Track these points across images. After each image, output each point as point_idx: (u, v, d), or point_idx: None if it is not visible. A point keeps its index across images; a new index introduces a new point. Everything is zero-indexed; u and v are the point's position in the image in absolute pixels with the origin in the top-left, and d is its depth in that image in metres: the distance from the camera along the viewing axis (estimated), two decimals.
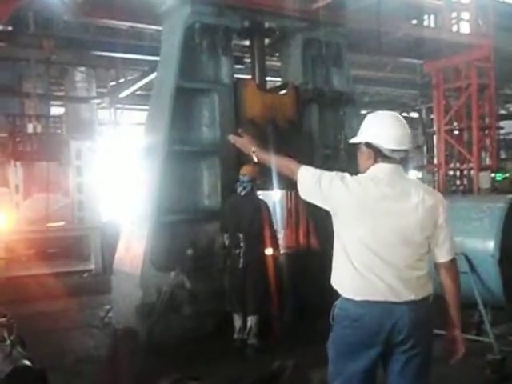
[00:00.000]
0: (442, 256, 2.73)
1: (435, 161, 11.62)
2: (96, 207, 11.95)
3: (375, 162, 2.71)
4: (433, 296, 2.70)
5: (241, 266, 5.76)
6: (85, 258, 11.25)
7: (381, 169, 2.69)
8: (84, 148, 12.07)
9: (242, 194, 6.03)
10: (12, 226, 10.94)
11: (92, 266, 10.66)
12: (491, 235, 4.71)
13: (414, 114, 13.21)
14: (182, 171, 6.53)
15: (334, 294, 2.71)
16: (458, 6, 11.15)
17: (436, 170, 11.38)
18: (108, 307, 7.04)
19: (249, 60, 8.03)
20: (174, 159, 6.43)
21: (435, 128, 11.35)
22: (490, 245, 4.69)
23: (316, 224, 7.17)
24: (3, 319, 3.92)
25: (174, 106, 6.48)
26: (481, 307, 4.74)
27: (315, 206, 2.79)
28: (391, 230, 2.61)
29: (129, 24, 7.88)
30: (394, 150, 2.66)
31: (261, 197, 6.51)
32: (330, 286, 2.75)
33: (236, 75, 7.21)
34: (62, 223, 11.42)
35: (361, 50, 9.18)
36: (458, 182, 12.28)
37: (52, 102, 15.73)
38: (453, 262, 2.76)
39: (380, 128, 2.71)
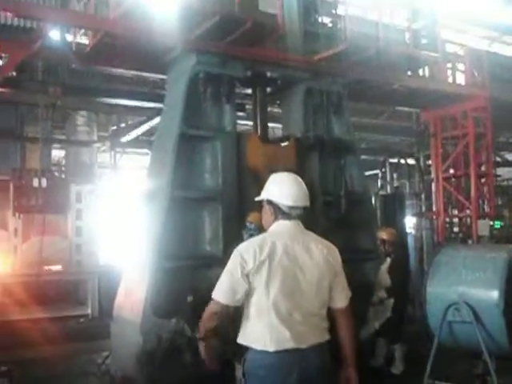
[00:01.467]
0: (341, 302, 3.01)
1: (433, 208, 11.69)
2: (94, 251, 11.90)
3: (276, 218, 3.02)
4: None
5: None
6: (81, 302, 11.13)
7: (282, 225, 3.00)
8: (84, 191, 12.13)
9: (246, 239, 6.07)
10: (9, 269, 10.87)
11: (89, 311, 10.55)
12: (495, 285, 4.72)
13: (410, 161, 13.34)
14: (183, 217, 6.56)
15: None
16: (453, 57, 11.48)
17: (435, 217, 11.44)
18: (106, 354, 6.95)
19: (250, 107, 8.20)
20: (176, 205, 6.47)
21: (433, 175, 11.47)
22: (495, 294, 4.70)
23: None
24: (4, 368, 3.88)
25: (177, 152, 6.57)
26: (486, 357, 4.71)
27: None
28: (298, 281, 2.88)
29: (134, 73, 8.05)
30: (291, 207, 2.98)
31: None
32: None
33: (238, 121, 7.35)
34: (59, 267, 11.36)
35: (360, 98, 9.36)
36: (457, 230, 12.35)
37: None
38: (348, 307, 3.04)
39: (280, 187, 3.03)
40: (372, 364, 6.57)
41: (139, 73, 8.20)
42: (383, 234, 7.00)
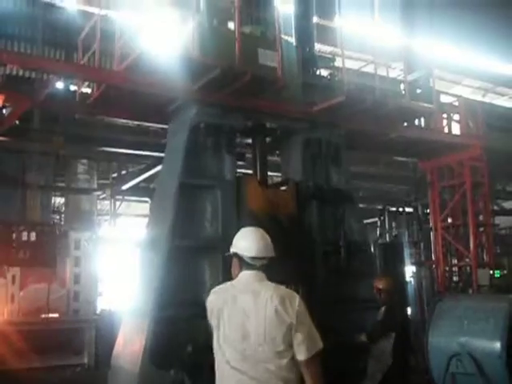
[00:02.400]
0: (300, 354, 2.98)
1: (432, 257, 11.68)
2: (92, 299, 11.79)
3: (241, 269, 3.23)
4: None
5: None
6: (78, 351, 10.94)
7: (243, 275, 3.22)
8: (83, 239, 12.11)
9: None
10: (6, 318, 10.73)
11: (85, 360, 10.36)
12: (497, 336, 4.70)
13: (408, 209, 13.42)
14: (184, 266, 6.55)
15: None
16: (448, 108, 11.73)
17: (434, 266, 11.43)
18: None
19: (250, 155, 8.32)
20: (177, 254, 6.48)
21: (431, 225, 11.52)
22: (497, 345, 4.67)
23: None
24: None
25: (178, 201, 6.63)
26: None
27: None
28: (246, 331, 3.00)
29: (136, 122, 8.21)
30: (254, 258, 3.20)
31: None
32: None
33: (237, 170, 7.44)
34: (56, 315, 11.22)
35: (357, 148, 9.51)
36: (456, 279, 12.28)
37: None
38: (312, 359, 2.99)
39: (244, 241, 3.28)
40: None
41: (141, 123, 8.34)
42: (379, 283, 6.97)
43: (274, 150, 8.46)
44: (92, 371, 9.89)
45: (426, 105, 8.59)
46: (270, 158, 8.04)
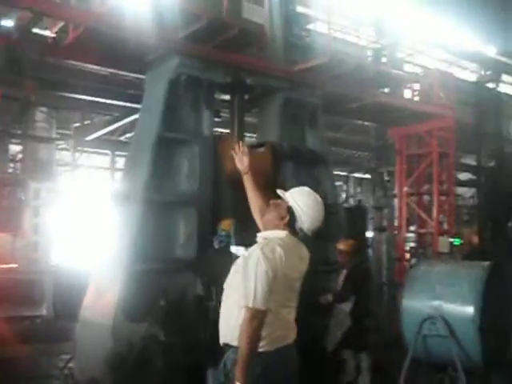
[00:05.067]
0: None
1: (395, 222, 11.96)
2: (51, 250, 11.56)
3: (284, 227, 3.05)
4: None
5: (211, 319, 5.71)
6: (36, 302, 10.75)
7: (291, 240, 3.06)
8: (42, 189, 11.78)
9: (217, 247, 6.13)
10: None
11: (44, 312, 10.19)
12: (470, 300, 4.86)
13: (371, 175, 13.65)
14: (158, 220, 6.46)
15: None
16: (420, 77, 11.83)
17: (396, 231, 11.70)
18: (67, 357, 6.72)
19: (225, 114, 8.18)
20: (151, 208, 6.37)
21: (396, 191, 11.74)
22: (470, 309, 4.83)
23: None
24: None
25: (154, 155, 6.48)
26: (460, 372, 4.82)
27: None
28: (294, 290, 3.09)
29: (110, 70, 7.88)
30: (302, 230, 3.04)
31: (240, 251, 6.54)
32: None
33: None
34: (14, 265, 10.95)
35: (332, 112, 9.49)
36: (413, 245, 12.63)
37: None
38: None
39: (308, 209, 3.03)
40: (346, 380, 6.62)
41: (115, 71, 8.01)
42: (341, 245, 7.08)
43: (252, 108, 8.34)
44: (51, 323, 9.73)
45: (406, 72, 8.62)
46: (246, 118, 7.92)
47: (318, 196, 3.16)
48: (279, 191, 3.21)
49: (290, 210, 3.05)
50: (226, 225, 6.15)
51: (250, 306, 2.79)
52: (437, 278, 5.31)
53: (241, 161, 3.67)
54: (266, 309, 2.80)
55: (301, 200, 3.07)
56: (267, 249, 2.91)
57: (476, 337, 4.74)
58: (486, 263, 5.17)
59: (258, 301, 2.79)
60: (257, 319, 2.79)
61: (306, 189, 3.20)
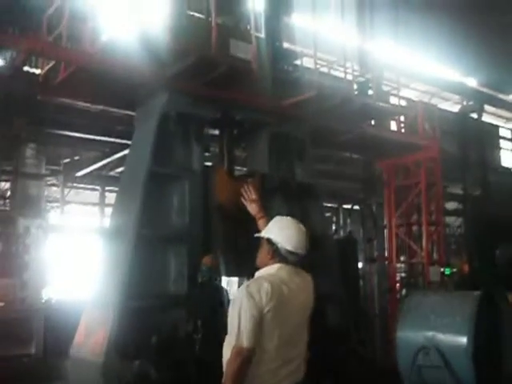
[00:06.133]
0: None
1: (386, 253, 11.99)
2: (40, 287, 11.42)
3: (273, 259, 3.08)
4: None
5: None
6: (24, 341, 10.57)
7: (282, 269, 3.07)
8: (32, 225, 11.70)
9: (200, 281, 6.39)
10: None
11: (32, 350, 10.02)
12: (464, 330, 4.88)
13: (360, 207, 13.71)
14: (149, 256, 6.45)
15: None
16: (406, 110, 12.03)
17: (387, 262, 11.73)
18: None
19: (214, 148, 8.27)
20: (143, 243, 6.38)
21: (386, 222, 11.81)
22: (463, 339, 4.85)
23: None
24: None
25: (145, 190, 6.51)
26: None
27: None
28: (296, 325, 3.04)
29: (100, 107, 7.96)
30: (290, 252, 3.06)
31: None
32: None
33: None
34: (1, 304, 10.80)
35: (320, 145, 9.60)
36: (404, 275, 12.65)
37: None
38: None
39: (283, 231, 3.10)
40: None
41: (105, 107, 8.09)
42: None
43: (241, 142, 8.43)
44: (41, 362, 9.57)
45: (392, 105, 8.79)
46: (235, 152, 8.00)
47: (289, 217, 3.25)
48: (256, 234, 3.28)
49: (269, 242, 3.11)
50: (207, 260, 6.42)
51: (234, 343, 2.81)
52: (430, 309, 5.35)
53: (251, 208, 3.89)
54: (251, 347, 2.79)
55: (274, 226, 3.17)
56: (253, 286, 2.93)
57: (470, 366, 4.76)
58: (477, 293, 5.21)
59: (241, 338, 2.80)
60: (241, 357, 2.78)
61: (277, 217, 3.29)
